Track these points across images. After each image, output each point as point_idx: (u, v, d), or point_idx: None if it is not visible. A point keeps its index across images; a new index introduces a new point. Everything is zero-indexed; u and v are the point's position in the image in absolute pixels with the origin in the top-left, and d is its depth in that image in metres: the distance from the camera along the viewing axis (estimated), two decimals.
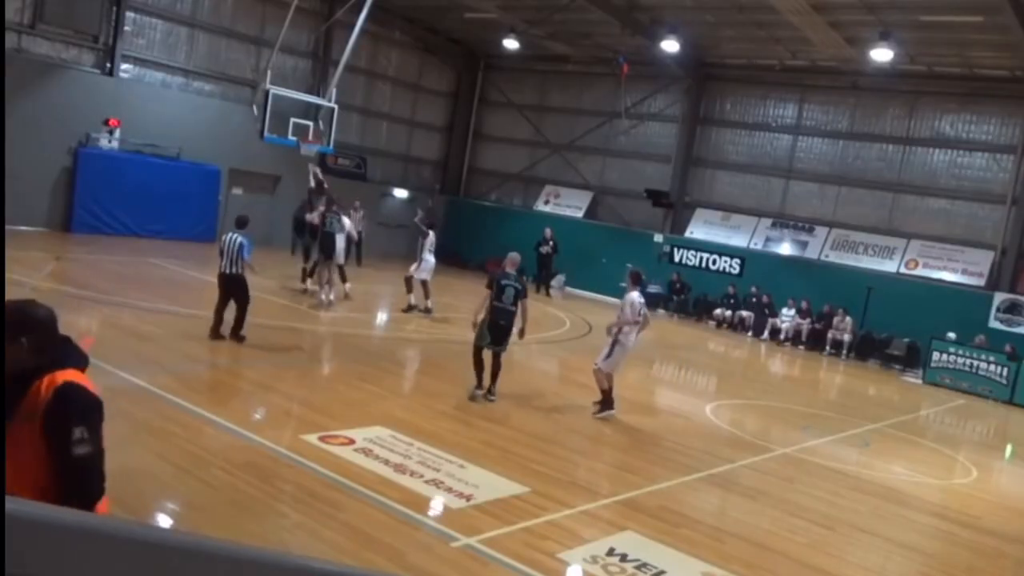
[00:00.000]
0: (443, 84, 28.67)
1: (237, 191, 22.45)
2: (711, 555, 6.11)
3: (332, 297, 14.87)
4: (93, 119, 19.46)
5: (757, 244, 23.08)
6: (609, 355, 9.99)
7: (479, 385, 9.70)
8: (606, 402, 9.99)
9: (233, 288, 10.53)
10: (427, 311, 15.39)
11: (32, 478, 2.62)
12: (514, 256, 10.23)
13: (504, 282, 9.72)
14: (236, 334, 10.58)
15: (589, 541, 6.00)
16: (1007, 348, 17.55)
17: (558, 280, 24.57)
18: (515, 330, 9.85)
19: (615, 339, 9.98)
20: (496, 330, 9.65)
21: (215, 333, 10.58)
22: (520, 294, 9.71)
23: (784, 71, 22.88)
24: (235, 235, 10.64)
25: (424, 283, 15.44)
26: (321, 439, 7.30)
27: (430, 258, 15.41)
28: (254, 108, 18.39)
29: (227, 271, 10.53)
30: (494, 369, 9.69)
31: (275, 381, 9.39)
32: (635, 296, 10.14)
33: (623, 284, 23.95)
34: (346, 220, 16.14)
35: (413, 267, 15.45)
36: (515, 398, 10.56)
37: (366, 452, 7.13)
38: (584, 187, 26.49)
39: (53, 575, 0.78)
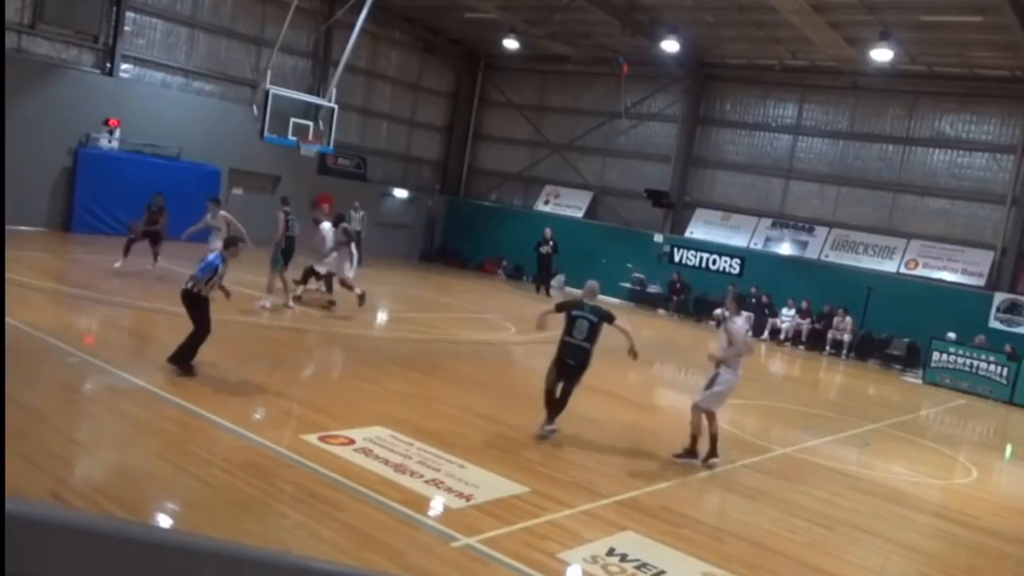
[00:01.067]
0: (443, 84, 28.68)
1: (237, 191, 22.46)
2: (711, 555, 6.11)
3: (269, 304, 13.70)
4: (93, 119, 19.47)
5: (757, 244, 23.09)
6: (711, 387, 8.51)
7: (549, 420, 8.46)
8: (691, 451, 8.44)
9: (188, 307, 8.96)
10: (331, 304, 14.63)
11: None
12: (592, 285, 8.84)
13: (576, 313, 8.31)
14: (181, 360, 8.74)
15: (589, 541, 6.00)
16: (1007, 348, 17.55)
17: (558, 280, 24.58)
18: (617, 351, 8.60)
19: (718, 371, 8.56)
20: (564, 369, 8.38)
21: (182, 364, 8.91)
22: (596, 325, 8.32)
23: (784, 71, 22.89)
24: (216, 256, 9.21)
25: (332, 276, 14.92)
26: (321, 439, 7.30)
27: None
28: (254, 108, 18.40)
29: (185, 285, 9.03)
30: (559, 403, 8.48)
31: (275, 381, 9.39)
32: (742, 323, 8.66)
33: (628, 284, 24.30)
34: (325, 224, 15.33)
35: (347, 267, 14.62)
36: (515, 398, 10.56)
37: (366, 452, 7.13)
38: (584, 187, 26.50)
39: (53, 575, 0.78)
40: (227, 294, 9.44)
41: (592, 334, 8.25)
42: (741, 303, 8.93)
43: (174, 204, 19.39)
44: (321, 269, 14.88)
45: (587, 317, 8.27)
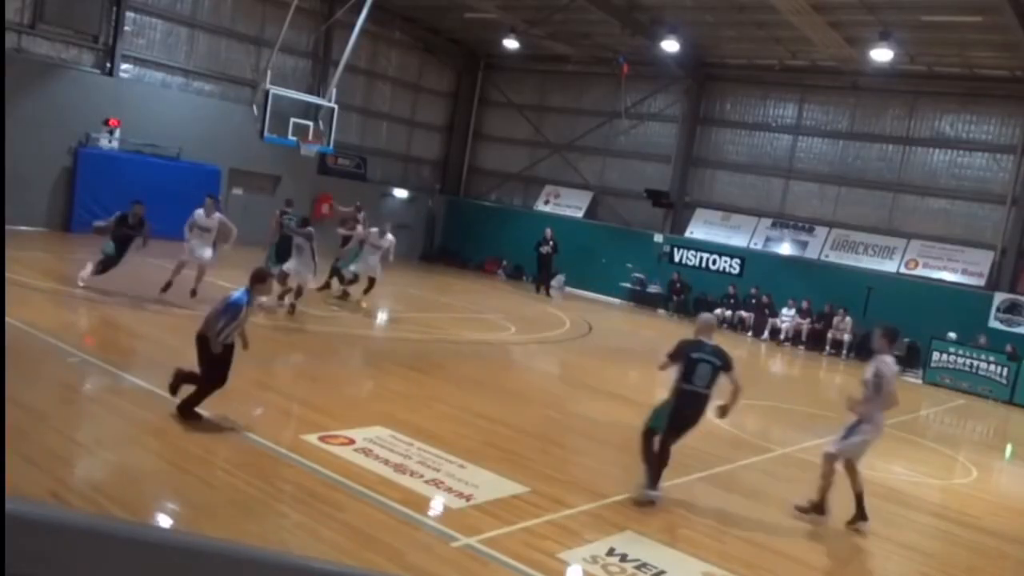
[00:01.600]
0: (443, 84, 28.68)
1: (237, 191, 22.46)
2: (711, 555, 6.11)
3: (272, 303, 13.05)
4: (93, 119, 19.47)
5: (757, 244, 23.09)
6: (847, 436, 7.39)
7: (651, 483, 6.96)
8: (818, 506, 7.31)
9: (200, 351, 7.39)
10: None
11: None
12: (707, 319, 7.64)
13: (696, 355, 7.04)
14: (186, 408, 7.24)
15: (589, 541, 6.00)
16: (1007, 348, 17.55)
17: (558, 280, 24.60)
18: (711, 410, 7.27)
19: (859, 418, 7.47)
20: (679, 419, 7.07)
21: (175, 390, 7.43)
22: (720, 369, 7.07)
23: (784, 71, 22.88)
24: (241, 295, 7.50)
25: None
26: (321, 439, 7.30)
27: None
28: (254, 108, 18.41)
29: (207, 333, 7.37)
30: (660, 457, 7.09)
31: (275, 381, 9.39)
32: (891, 362, 7.50)
33: (628, 284, 24.31)
34: (389, 236, 15.42)
35: (309, 277, 13.67)
36: (516, 398, 10.57)
37: (366, 452, 7.13)
38: (584, 187, 26.50)
39: (53, 575, 0.78)
40: (245, 344, 7.76)
41: (713, 380, 7.05)
42: (893, 339, 7.69)
43: (174, 204, 19.38)
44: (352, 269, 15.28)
45: (709, 360, 7.05)
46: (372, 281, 15.45)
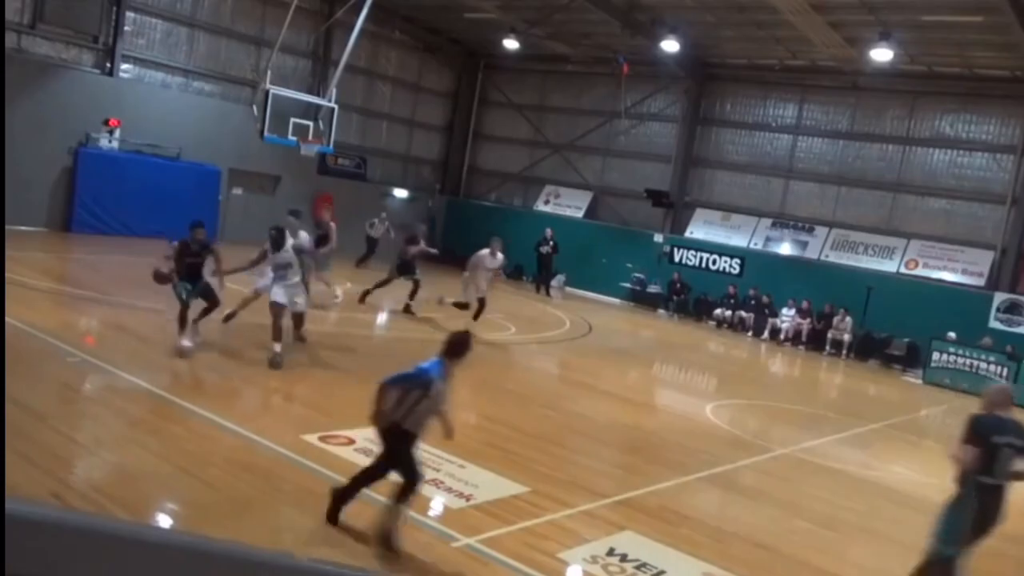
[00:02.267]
0: (443, 84, 28.68)
1: (237, 191, 22.47)
2: (711, 555, 6.11)
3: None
4: (93, 119, 19.46)
5: (757, 244, 23.08)
6: None
7: None
8: None
9: (395, 447, 5.55)
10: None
11: None
12: (1004, 390, 6.05)
13: (1001, 440, 5.37)
14: (387, 540, 5.33)
15: (589, 541, 6.00)
16: (1007, 349, 17.55)
17: (558, 280, 24.61)
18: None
19: None
20: (985, 524, 5.46)
21: (335, 513, 5.60)
22: (1019, 453, 5.43)
23: (784, 71, 22.88)
24: (432, 366, 5.75)
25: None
26: (321, 439, 7.30)
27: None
28: (254, 108, 18.39)
29: (397, 420, 5.48)
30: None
31: (276, 381, 9.38)
32: None
33: (628, 284, 24.28)
34: (500, 255, 15.13)
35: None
36: (515, 398, 10.57)
37: (366, 452, 7.12)
38: (584, 187, 26.50)
39: (53, 575, 0.78)
40: (448, 432, 5.90)
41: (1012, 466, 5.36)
42: None
43: (174, 205, 19.36)
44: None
45: (1013, 444, 5.39)
46: (482, 303, 14.70)
